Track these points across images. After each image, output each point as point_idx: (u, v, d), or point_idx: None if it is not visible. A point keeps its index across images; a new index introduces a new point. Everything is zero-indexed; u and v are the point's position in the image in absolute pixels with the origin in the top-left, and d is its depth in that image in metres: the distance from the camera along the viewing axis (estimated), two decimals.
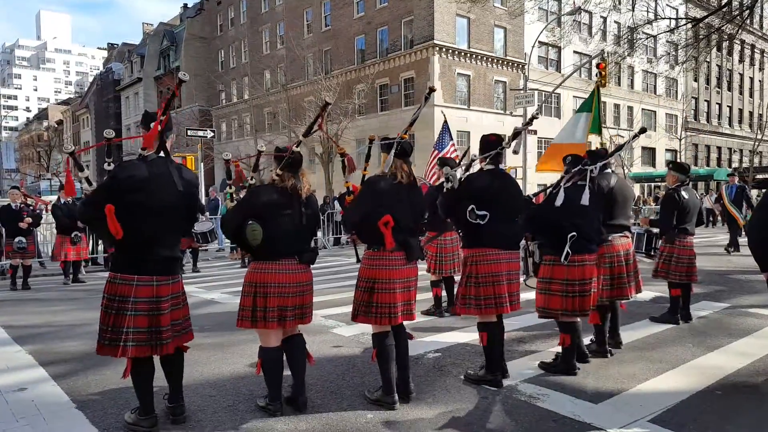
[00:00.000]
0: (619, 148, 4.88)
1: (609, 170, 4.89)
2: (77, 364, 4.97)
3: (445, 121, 9.73)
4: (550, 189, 4.54)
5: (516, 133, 4.23)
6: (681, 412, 3.71)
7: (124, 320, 3.18)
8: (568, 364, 4.41)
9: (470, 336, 5.45)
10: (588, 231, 4.32)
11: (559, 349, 4.52)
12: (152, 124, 3.28)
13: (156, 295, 3.26)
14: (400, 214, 3.70)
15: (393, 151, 3.79)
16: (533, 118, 4.39)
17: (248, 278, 3.63)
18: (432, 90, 4.00)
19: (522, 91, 24.40)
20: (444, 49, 30.12)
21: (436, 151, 9.01)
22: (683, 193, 6.03)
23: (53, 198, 11.93)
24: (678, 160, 7.21)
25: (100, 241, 12.60)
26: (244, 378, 4.46)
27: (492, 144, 4.14)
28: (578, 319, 4.43)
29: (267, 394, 3.73)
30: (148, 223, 3.22)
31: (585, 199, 4.20)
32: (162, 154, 3.39)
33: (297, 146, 3.72)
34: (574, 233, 4.18)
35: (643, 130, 4.42)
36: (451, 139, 9.51)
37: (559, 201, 4.22)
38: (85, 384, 4.37)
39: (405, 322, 3.93)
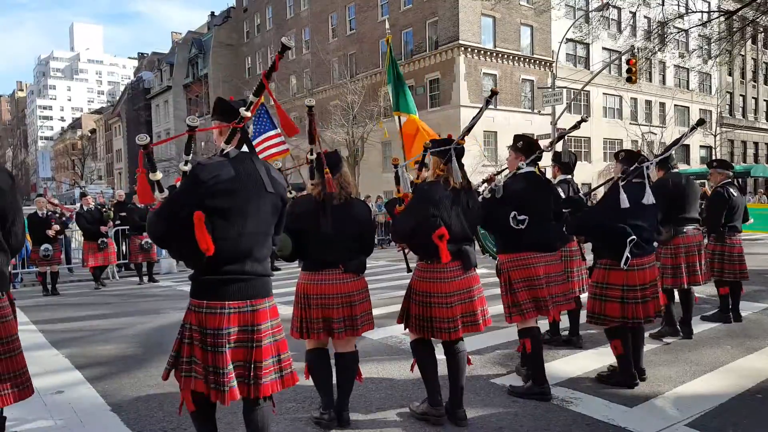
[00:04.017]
0: (676, 142, 4.75)
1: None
2: (112, 367, 5.08)
3: (265, 108, 8.12)
4: (605, 189, 4.37)
5: (561, 136, 4.24)
6: (720, 416, 3.59)
7: (225, 358, 2.52)
8: (627, 374, 4.10)
9: (501, 339, 5.40)
10: (647, 232, 4.13)
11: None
12: (242, 110, 2.70)
13: (253, 322, 2.61)
14: (455, 223, 3.47)
15: (453, 159, 3.54)
16: (582, 120, 4.19)
17: (296, 288, 3.55)
18: (494, 93, 3.76)
19: (550, 90, 24.10)
20: (469, 49, 29.96)
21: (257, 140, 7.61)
22: (731, 190, 6.02)
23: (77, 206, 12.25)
24: (720, 158, 7.22)
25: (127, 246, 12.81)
26: None
27: (532, 147, 4.05)
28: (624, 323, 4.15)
29: (320, 404, 3.59)
30: (238, 235, 2.60)
31: (648, 198, 4.01)
32: (245, 148, 2.79)
33: (311, 154, 3.57)
34: (634, 237, 3.95)
35: (701, 122, 4.27)
36: (274, 127, 7.56)
37: (624, 203, 3.96)
38: (119, 387, 4.46)
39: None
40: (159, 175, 2.74)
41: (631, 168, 4.15)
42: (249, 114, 2.71)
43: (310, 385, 3.64)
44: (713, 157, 31.91)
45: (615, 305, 4.08)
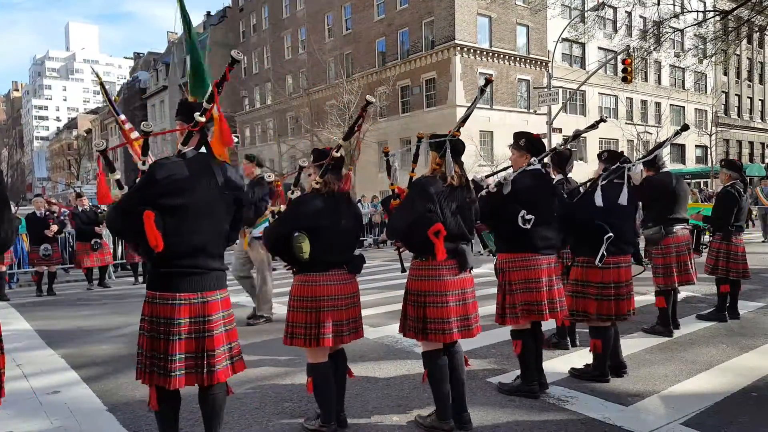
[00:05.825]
0: (660, 145, 4.79)
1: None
2: (108, 366, 5.07)
3: (107, 94, 7.71)
4: (585, 188, 4.40)
5: (576, 135, 4.18)
6: (715, 414, 3.61)
7: (174, 346, 2.69)
8: (600, 370, 4.25)
9: (497, 338, 5.41)
10: (625, 232, 4.20)
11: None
12: (196, 115, 2.83)
13: (205, 313, 2.77)
14: (451, 221, 3.34)
15: (448, 152, 3.38)
16: (601, 121, 4.01)
17: (297, 292, 3.32)
18: (489, 81, 3.54)
19: (546, 89, 24.14)
20: (465, 49, 29.95)
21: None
22: (741, 189, 6.12)
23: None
24: (730, 159, 7.28)
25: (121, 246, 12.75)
26: (270, 380, 4.49)
27: (539, 143, 4.00)
28: (610, 324, 4.25)
29: (318, 415, 3.45)
30: (191, 232, 2.76)
31: (623, 199, 4.04)
32: (203, 150, 2.92)
33: (337, 151, 3.42)
34: (611, 234, 4.00)
35: (685, 127, 4.31)
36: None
37: (599, 201, 4.01)
38: (115, 387, 4.45)
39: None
40: (118, 175, 3.02)
41: (612, 168, 4.22)
42: (203, 119, 2.84)
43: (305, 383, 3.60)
44: (715, 157, 31.98)
45: (591, 302, 4.18)
